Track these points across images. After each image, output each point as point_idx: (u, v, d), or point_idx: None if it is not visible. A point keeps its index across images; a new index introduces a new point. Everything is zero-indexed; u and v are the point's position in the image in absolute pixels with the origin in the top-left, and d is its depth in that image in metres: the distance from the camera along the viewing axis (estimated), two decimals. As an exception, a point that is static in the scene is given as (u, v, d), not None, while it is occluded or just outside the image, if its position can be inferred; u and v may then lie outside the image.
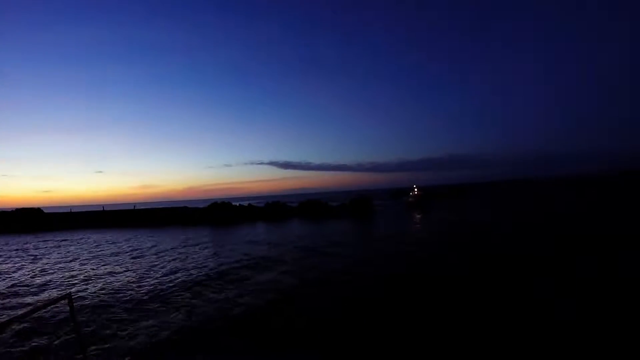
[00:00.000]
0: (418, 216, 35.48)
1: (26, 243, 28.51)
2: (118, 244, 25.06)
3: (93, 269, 16.65)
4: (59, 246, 25.68)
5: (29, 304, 11.27)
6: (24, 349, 7.81)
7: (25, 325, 9.05)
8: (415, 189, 56.81)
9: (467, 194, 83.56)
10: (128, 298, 11.44)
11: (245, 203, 50.63)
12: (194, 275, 14.02)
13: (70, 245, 25.79)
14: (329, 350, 6.75)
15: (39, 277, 15.66)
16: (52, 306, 9.51)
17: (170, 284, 12.75)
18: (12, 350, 7.77)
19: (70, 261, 19.11)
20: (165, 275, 14.40)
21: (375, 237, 22.84)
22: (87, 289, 13.08)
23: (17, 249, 24.96)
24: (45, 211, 46.84)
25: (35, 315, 9.42)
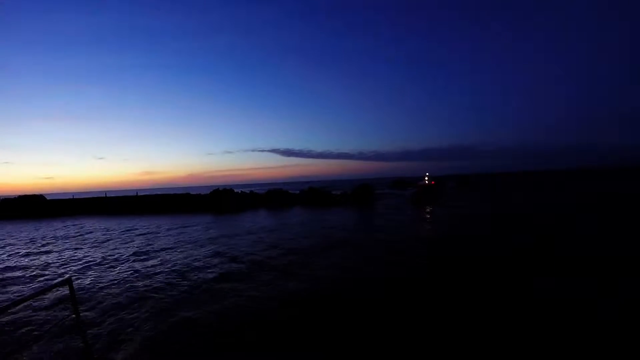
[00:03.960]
0: (429, 209, 30.68)
1: (29, 229, 28.54)
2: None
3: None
4: (63, 231, 25.71)
5: (30, 289, 11.19)
6: (24, 333, 7.72)
7: (26, 309, 9.03)
8: (427, 178, 49.92)
9: (473, 185, 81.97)
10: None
11: (247, 190, 50.36)
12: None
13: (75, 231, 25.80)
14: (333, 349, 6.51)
15: (42, 262, 15.89)
16: (52, 290, 9.49)
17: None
18: (12, 335, 7.68)
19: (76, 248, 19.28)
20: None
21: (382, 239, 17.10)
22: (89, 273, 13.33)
23: (20, 236, 25.02)
24: (47, 198, 46.75)
25: (36, 299, 9.40)
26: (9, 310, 8.03)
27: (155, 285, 10.93)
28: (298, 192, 49.15)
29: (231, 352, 6.50)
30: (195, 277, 11.60)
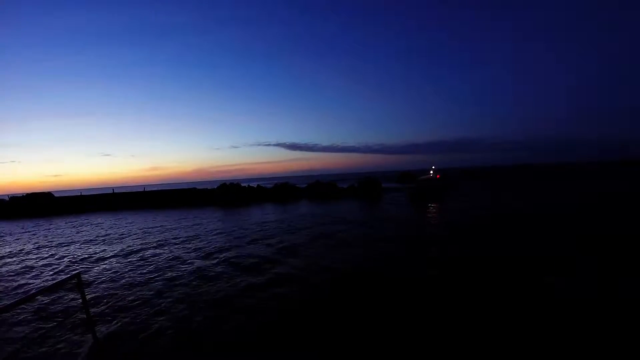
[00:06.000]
0: (434, 204, 29.29)
1: (39, 227, 28.76)
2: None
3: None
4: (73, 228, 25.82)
5: (39, 284, 11.15)
6: (33, 328, 7.64)
7: (35, 305, 8.98)
8: (432, 171, 47.75)
9: (480, 178, 79.89)
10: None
11: (254, 184, 50.21)
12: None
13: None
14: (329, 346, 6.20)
15: (51, 258, 15.97)
16: (61, 286, 9.41)
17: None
18: (22, 330, 7.60)
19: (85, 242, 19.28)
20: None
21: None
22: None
23: (30, 233, 25.18)
24: (55, 195, 47.00)
25: (45, 294, 9.40)
26: (18, 306, 7.95)
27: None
28: (305, 185, 48.88)
29: (232, 352, 6.21)
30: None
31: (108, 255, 14.82)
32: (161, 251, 15.04)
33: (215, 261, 12.69)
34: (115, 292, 9.84)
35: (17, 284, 11.35)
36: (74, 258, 14.71)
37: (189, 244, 16.37)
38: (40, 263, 14.15)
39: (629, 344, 5.72)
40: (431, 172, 47.91)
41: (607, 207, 20.55)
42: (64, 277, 11.45)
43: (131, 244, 17.24)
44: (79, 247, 17.27)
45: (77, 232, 22.49)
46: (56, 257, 15.22)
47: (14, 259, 15.37)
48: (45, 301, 9.25)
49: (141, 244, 17.08)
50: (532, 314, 6.99)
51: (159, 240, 17.69)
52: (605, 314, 6.80)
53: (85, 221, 29.47)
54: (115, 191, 49.02)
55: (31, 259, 15.07)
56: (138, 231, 21.48)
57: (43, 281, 11.44)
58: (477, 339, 6.11)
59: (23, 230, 25.18)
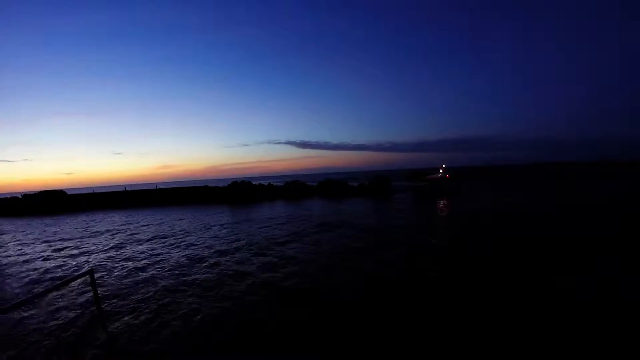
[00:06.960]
0: (442, 205, 26.16)
1: (52, 224, 28.81)
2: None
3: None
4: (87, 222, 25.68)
5: (53, 280, 10.92)
6: (45, 324, 7.52)
7: (49, 301, 8.88)
8: (441, 170, 46.00)
9: (490, 178, 77.16)
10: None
11: (265, 182, 49.87)
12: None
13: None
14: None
15: (64, 253, 15.81)
16: (74, 282, 9.22)
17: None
18: (35, 325, 7.50)
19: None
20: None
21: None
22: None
23: (43, 230, 25.17)
24: (68, 193, 47.29)
25: (58, 291, 9.35)
26: (32, 302, 8.25)
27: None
28: (316, 183, 48.33)
29: (232, 352, 5.92)
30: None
31: (112, 248, 14.65)
32: (161, 246, 15.12)
33: (200, 257, 12.77)
34: (122, 285, 9.77)
35: (30, 278, 11.14)
36: (86, 253, 14.42)
37: (185, 239, 16.04)
38: (54, 257, 13.89)
39: (629, 343, 5.55)
40: (441, 170, 46.60)
41: (610, 208, 19.55)
42: (76, 272, 11.33)
43: (139, 239, 17.03)
44: (88, 243, 16.98)
45: (88, 229, 22.26)
46: (69, 253, 14.91)
47: (29, 251, 15.22)
48: (58, 297, 9.12)
49: (144, 239, 16.97)
50: (536, 313, 6.69)
51: (161, 236, 17.72)
52: (606, 314, 6.51)
53: (98, 218, 29.39)
54: (128, 189, 49.14)
55: (44, 255, 14.75)
56: (142, 228, 21.27)
57: (56, 275, 11.22)
58: (480, 340, 5.85)
59: (36, 227, 25.14)
